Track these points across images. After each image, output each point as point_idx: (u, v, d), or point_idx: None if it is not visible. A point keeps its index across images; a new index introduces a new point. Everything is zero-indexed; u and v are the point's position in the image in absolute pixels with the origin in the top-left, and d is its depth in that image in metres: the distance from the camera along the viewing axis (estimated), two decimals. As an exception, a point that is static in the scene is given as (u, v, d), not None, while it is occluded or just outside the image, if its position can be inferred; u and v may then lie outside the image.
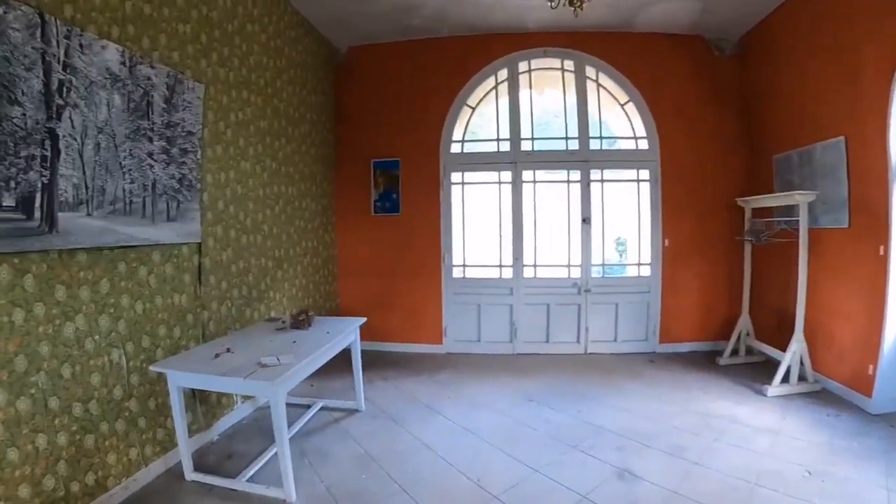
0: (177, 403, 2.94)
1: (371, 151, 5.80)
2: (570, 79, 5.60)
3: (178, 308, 3.35)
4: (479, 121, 5.90)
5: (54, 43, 2.38)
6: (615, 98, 5.62)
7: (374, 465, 3.16)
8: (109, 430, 2.76)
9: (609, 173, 5.64)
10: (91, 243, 2.69)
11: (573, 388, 4.42)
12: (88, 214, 2.67)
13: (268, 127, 4.44)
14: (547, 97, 5.83)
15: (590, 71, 5.56)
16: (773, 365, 4.49)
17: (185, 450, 2.99)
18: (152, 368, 2.89)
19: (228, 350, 3.11)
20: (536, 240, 5.67)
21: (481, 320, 5.74)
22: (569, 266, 5.63)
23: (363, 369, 4.94)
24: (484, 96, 5.76)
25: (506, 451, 3.32)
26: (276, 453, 3.17)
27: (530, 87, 5.70)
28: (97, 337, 2.71)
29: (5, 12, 2.13)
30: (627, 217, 5.70)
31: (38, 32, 2.30)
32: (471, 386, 4.59)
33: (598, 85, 5.60)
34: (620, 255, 6.16)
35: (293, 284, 4.93)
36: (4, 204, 2.23)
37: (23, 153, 2.29)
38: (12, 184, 2.26)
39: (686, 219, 5.52)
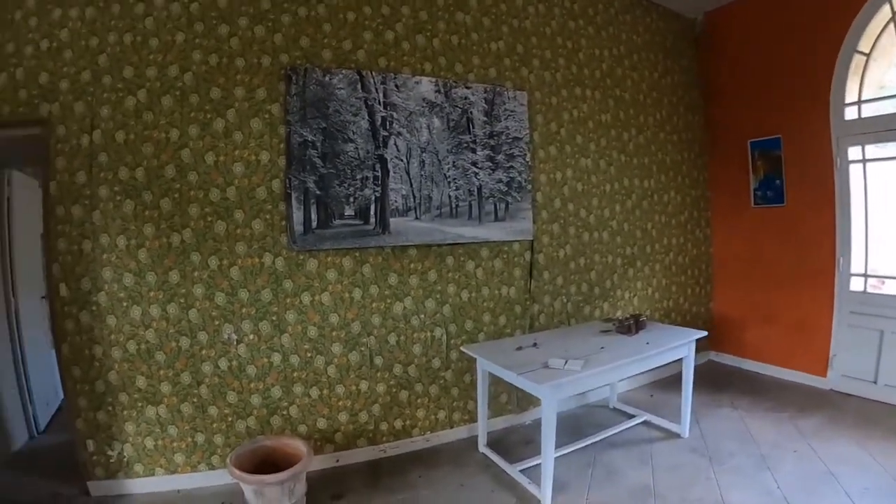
0: (481, 384, 3.08)
1: (746, 130, 4.45)
2: None
3: (506, 299, 3.52)
4: (879, 71, 3.63)
5: (373, 90, 2.95)
6: None
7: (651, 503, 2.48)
8: (423, 391, 3.19)
9: None
10: (420, 241, 3.16)
11: None
12: (417, 218, 3.15)
13: (611, 120, 4.09)
14: None
15: None
16: None
17: (482, 425, 3.13)
18: (463, 350, 3.14)
19: (534, 344, 3.02)
20: None
21: (882, 354, 3.56)
22: None
23: (717, 390, 4.05)
24: (879, 35, 3.51)
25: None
26: (563, 453, 2.96)
27: None
28: (422, 316, 3.18)
29: (330, 78, 2.80)
30: None
31: (359, 85, 2.90)
32: (836, 443, 2.99)
33: None
34: None
35: (648, 284, 4.34)
36: (346, 214, 2.92)
37: (358, 176, 2.94)
38: (351, 199, 2.93)
39: None
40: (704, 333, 3.25)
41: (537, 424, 3.43)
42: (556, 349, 2.86)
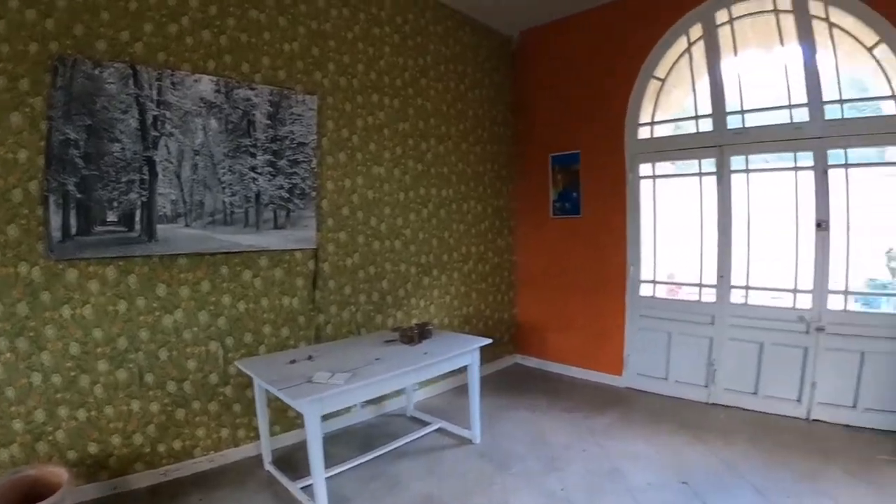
0: (259, 399, 4.04)
1: (549, 145, 6.32)
2: (789, 23, 4.92)
3: (288, 310, 4.56)
4: (671, 95, 5.68)
5: (146, 87, 3.78)
6: (858, 41, 4.67)
7: (430, 515, 3.51)
8: (201, 409, 4.08)
9: (857, 153, 4.75)
10: (191, 249, 4.02)
11: (755, 478, 3.77)
12: (187, 225, 4.02)
13: (410, 129, 5.42)
14: (757, 53, 5.21)
15: (815, 7, 4.77)
16: None
17: (265, 442, 4.08)
18: (237, 365, 4.05)
19: (310, 357, 3.98)
20: (749, 252, 5.14)
21: (671, 353, 5.58)
22: (794, 291, 4.96)
23: (518, 393, 5.61)
24: (675, 63, 5.55)
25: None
26: (349, 467, 4.01)
27: (734, 43, 5.21)
28: (195, 329, 4.05)
29: (100, 71, 3.59)
30: (883, 221, 4.68)
31: (131, 81, 3.71)
32: (625, 440, 4.46)
33: (830, 25, 4.75)
34: (893, 275, 4.99)
35: (446, 292, 5.80)
36: (109, 220, 3.69)
37: (123, 179, 3.73)
38: (115, 204, 3.70)
39: None
40: (488, 341, 4.55)
41: (330, 438, 4.52)
42: (332, 362, 3.83)
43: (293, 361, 3.85)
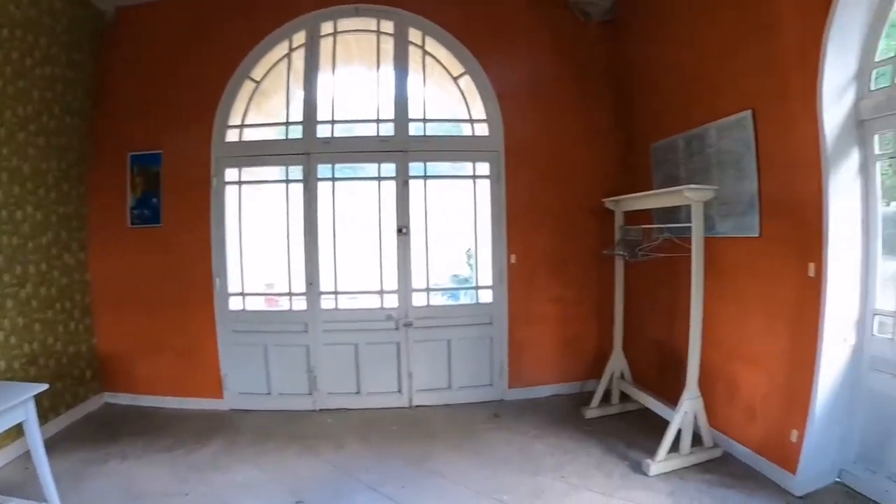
0: None
1: (129, 143, 5.45)
2: (388, 45, 5.43)
3: None
4: (267, 99, 5.63)
5: None
6: (447, 70, 5.50)
7: None
8: None
9: (434, 167, 5.52)
10: None
11: (369, 475, 3.95)
12: None
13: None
14: (356, 68, 5.66)
15: (414, 35, 5.42)
16: (653, 416, 4.39)
17: None
18: None
19: None
20: (337, 258, 5.41)
21: (270, 366, 5.44)
22: (381, 293, 5.45)
23: (109, 439, 4.66)
24: (273, 67, 5.50)
25: None
26: None
27: (334, 56, 5.48)
28: None
29: None
30: (461, 226, 5.57)
31: None
32: (232, 470, 4.12)
33: (425, 53, 5.47)
34: (472, 270, 6.03)
35: (-1, 327, 4.41)
36: None
37: None
38: None
39: (539, 227, 5.51)
40: (44, 387, 3.48)
41: None
42: None
43: None
